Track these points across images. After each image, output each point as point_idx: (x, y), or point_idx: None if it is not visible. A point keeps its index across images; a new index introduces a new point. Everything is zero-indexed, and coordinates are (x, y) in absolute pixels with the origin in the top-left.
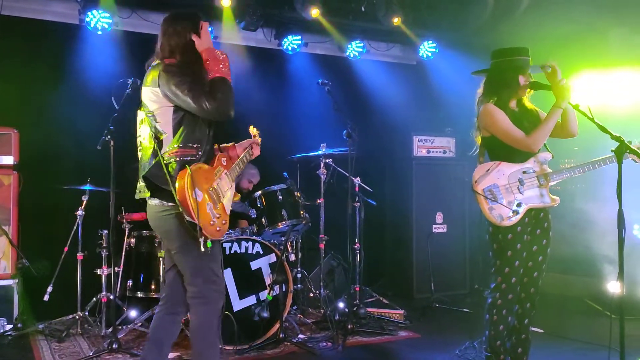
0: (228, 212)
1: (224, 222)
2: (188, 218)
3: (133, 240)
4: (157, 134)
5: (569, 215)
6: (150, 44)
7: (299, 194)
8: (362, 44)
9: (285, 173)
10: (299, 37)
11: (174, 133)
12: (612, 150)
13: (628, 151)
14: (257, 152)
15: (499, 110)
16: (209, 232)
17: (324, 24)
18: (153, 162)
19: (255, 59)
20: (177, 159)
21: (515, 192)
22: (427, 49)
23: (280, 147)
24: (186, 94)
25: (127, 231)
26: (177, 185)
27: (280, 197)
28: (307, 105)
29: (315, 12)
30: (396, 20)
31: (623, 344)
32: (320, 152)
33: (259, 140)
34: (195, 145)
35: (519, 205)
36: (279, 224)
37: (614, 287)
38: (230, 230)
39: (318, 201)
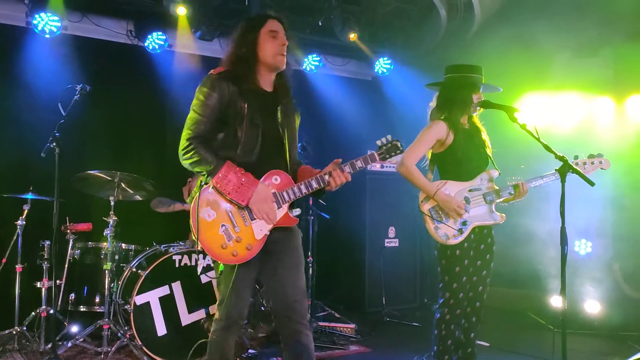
0: (261, 236)
1: (248, 247)
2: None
3: (77, 251)
4: None
5: (513, 231)
6: (101, 49)
7: None
8: (318, 58)
9: None
10: None
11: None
12: (555, 170)
13: (571, 170)
14: (332, 184)
15: (438, 130)
16: (217, 256)
17: None
18: None
19: (211, 69)
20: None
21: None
22: (382, 65)
23: None
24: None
25: (71, 242)
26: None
27: None
28: None
29: None
30: (352, 36)
31: (565, 357)
32: None
33: (344, 176)
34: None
35: (464, 224)
36: None
37: (556, 301)
38: (181, 242)
39: None
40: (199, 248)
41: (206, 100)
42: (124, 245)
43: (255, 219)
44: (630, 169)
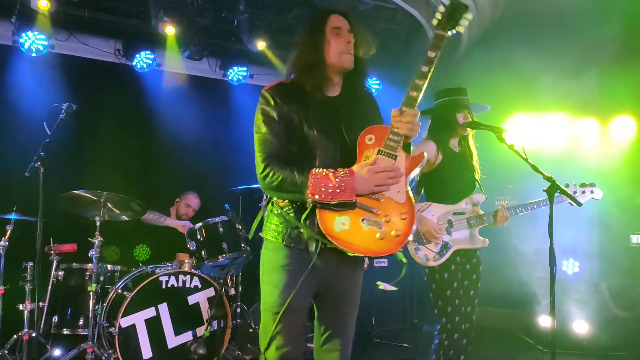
0: (404, 197)
1: (402, 216)
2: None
3: (61, 273)
4: None
5: (501, 250)
6: (88, 68)
7: (240, 227)
8: None
9: (227, 205)
10: (245, 68)
11: None
12: (543, 190)
13: (559, 191)
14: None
15: (427, 150)
16: (385, 250)
17: (269, 56)
18: None
19: (199, 88)
20: None
21: (444, 234)
22: (371, 85)
23: (223, 178)
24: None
25: (55, 263)
26: None
27: (221, 230)
28: (251, 137)
29: (261, 45)
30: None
31: None
32: None
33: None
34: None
35: (445, 247)
36: (219, 257)
37: (545, 321)
38: (168, 263)
39: (260, 234)
40: (365, 265)
41: (264, 117)
42: (109, 266)
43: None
44: (615, 189)
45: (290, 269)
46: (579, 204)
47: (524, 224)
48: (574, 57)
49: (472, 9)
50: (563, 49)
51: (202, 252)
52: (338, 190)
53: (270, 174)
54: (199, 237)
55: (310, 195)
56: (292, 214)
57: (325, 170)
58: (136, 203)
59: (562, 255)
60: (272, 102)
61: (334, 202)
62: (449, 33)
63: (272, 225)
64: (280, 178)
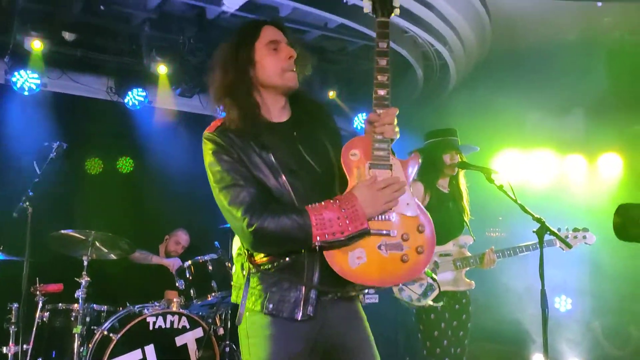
0: (416, 211)
1: (420, 227)
2: None
3: (47, 314)
4: None
5: (494, 288)
6: (80, 105)
7: (230, 265)
8: None
9: (216, 242)
10: None
11: None
12: (533, 231)
13: (549, 232)
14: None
15: (415, 191)
16: (411, 274)
17: None
18: None
19: (190, 125)
20: None
21: None
22: (360, 121)
23: (213, 215)
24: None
25: (40, 304)
26: None
27: (210, 268)
28: None
29: None
30: (331, 94)
31: None
32: None
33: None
34: None
35: (430, 288)
36: (208, 295)
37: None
38: (156, 303)
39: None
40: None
41: (223, 164)
42: (95, 306)
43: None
44: (605, 226)
45: (276, 337)
46: (569, 246)
47: (515, 261)
48: (560, 95)
49: (459, 49)
50: (549, 87)
51: (191, 291)
52: (347, 221)
53: (264, 227)
54: (187, 275)
55: (317, 237)
56: (275, 273)
57: (321, 203)
58: (125, 242)
59: (554, 292)
60: (225, 145)
61: (347, 236)
62: (392, 15)
63: (256, 291)
64: (279, 227)
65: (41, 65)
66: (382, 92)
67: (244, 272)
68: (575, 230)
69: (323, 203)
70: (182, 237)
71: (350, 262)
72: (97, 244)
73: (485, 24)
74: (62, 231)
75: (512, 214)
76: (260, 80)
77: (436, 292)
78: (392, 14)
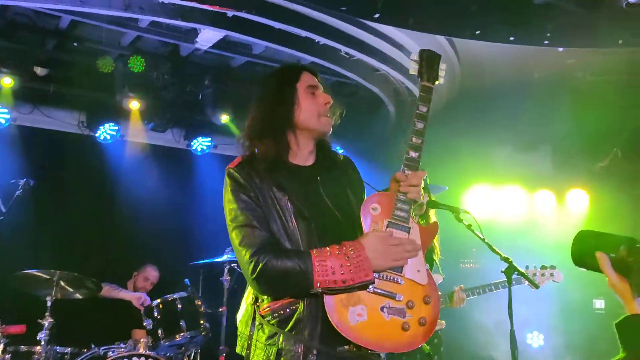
0: (425, 278)
1: (426, 299)
2: None
3: (8, 356)
4: None
5: (466, 325)
6: (50, 139)
7: (200, 302)
8: None
9: (186, 280)
10: (209, 138)
11: None
12: (502, 271)
13: (516, 272)
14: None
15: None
16: (410, 344)
17: (232, 128)
18: None
19: (163, 158)
20: None
21: None
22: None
23: (184, 251)
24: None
25: (1, 346)
26: None
27: (179, 306)
28: (214, 207)
29: (224, 118)
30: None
31: None
32: (224, 257)
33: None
34: None
35: None
36: (177, 335)
37: None
38: (122, 344)
39: (220, 309)
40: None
41: (240, 203)
42: (59, 349)
43: (402, 267)
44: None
45: None
46: (536, 286)
47: (486, 298)
48: (528, 132)
49: None
50: (517, 124)
51: (159, 331)
52: (351, 270)
53: (267, 268)
54: (156, 314)
55: (318, 283)
56: (275, 326)
57: (326, 248)
58: (90, 281)
59: (526, 328)
60: (244, 183)
61: (348, 287)
62: (435, 83)
63: (260, 344)
64: (281, 269)
65: (11, 100)
66: (414, 155)
67: (250, 322)
68: (543, 267)
69: (329, 248)
70: (151, 273)
71: (349, 317)
72: (62, 283)
73: (454, 64)
74: (26, 271)
75: (485, 246)
76: (298, 122)
77: None
78: (437, 82)
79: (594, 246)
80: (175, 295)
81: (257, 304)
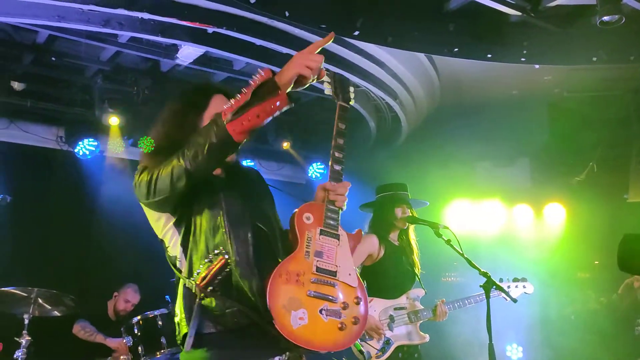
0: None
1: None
2: None
3: None
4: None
5: (445, 338)
6: (27, 154)
7: None
8: (252, 163)
9: (167, 296)
10: None
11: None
12: (480, 286)
13: (495, 287)
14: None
15: (369, 244)
16: (348, 342)
17: None
18: None
19: None
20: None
21: (385, 330)
22: (315, 170)
23: (164, 267)
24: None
25: None
26: None
27: (160, 323)
28: None
29: None
30: (285, 145)
31: None
32: None
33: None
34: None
35: (387, 343)
36: (157, 353)
37: None
38: None
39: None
40: None
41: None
42: None
43: (336, 272)
44: (552, 274)
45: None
46: (514, 301)
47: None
48: (506, 145)
49: (410, 103)
50: (495, 138)
51: (139, 348)
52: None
53: (154, 172)
54: (136, 331)
55: (225, 113)
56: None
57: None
58: (69, 298)
59: (505, 340)
60: None
61: (255, 92)
62: (350, 103)
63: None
64: (166, 165)
65: None
66: (337, 168)
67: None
68: (515, 280)
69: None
70: (132, 295)
71: (292, 321)
72: (40, 300)
73: (434, 81)
74: (3, 289)
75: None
76: None
77: (393, 347)
78: (350, 102)
79: None
80: (156, 312)
81: (192, 278)
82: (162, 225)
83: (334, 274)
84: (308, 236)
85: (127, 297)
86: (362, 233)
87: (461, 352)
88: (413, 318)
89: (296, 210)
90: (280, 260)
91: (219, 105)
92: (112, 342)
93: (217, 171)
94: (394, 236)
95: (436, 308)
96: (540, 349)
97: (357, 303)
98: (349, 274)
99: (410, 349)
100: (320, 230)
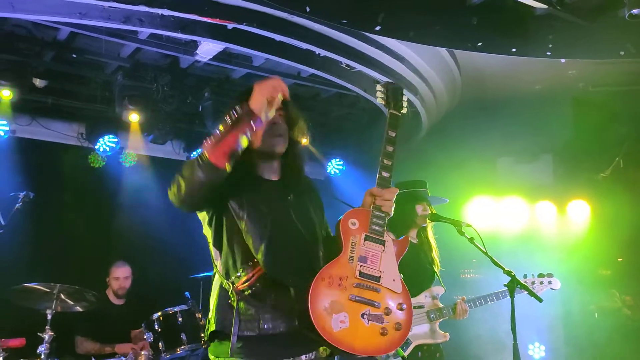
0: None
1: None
2: None
3: None
4: None
5: (467, 337)
6: (49, 151)
7: (200, 315)
8: None
9: (187, 293)
10: None
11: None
12: (504, 285)
13: (519, 286)
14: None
15: None
16: (390, 347)
17: None
18: None
19: (162, 170)
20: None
21: None
22: (334, 166)
23: (184, 263)
24: None
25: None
26: None
27: (180, 319)
28: None
29: None
30: (305, 140)
31: None
32: None
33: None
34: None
35: (405, 342)
36: (178, 349)
37: None
38: (122, 358)
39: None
40: None
41: None
42: None
43: (379, 277)
44: (575, 272)
45: None
46: (540, 300)
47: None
48: (529, 141)
49: (431, 98)
50: (518, 133)
51: (160, 344)
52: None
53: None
54: (156, 327)
55: (205, 145)
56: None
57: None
58: (91, 293)
59: (527, 339)
60: None
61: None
62: (401, 112)
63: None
64: (181, 173)
65: (9, 112)
66: (386, 174)
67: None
68: (541, 276)
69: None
70: (117, 272)
71: (333, 324)
72: (62, 296)
73: (455, 76)
74: (26, 284)
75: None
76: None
77: (411, 347)
78: (402, 110)
79: None
80: (176, 308)
81: (231, 280)
82: (203, 221)
83: (377, 279)
84: (353, 241)
85: (115, 276)
86: (409, 239)
87: (479, 350)
88: (432, 316)
89: (342, 216)
90: (320, 267)
91: None
92: (121, 348)
93: (272, 176)
94: (412, 234)
95: (456, 306)
96: (564, 347)
97: (401, 309)
98: (393, 280)
99: (432, 348)
100: (365, 235)
